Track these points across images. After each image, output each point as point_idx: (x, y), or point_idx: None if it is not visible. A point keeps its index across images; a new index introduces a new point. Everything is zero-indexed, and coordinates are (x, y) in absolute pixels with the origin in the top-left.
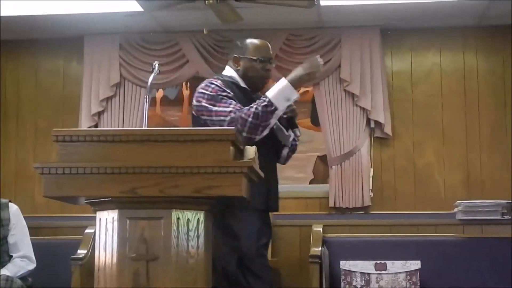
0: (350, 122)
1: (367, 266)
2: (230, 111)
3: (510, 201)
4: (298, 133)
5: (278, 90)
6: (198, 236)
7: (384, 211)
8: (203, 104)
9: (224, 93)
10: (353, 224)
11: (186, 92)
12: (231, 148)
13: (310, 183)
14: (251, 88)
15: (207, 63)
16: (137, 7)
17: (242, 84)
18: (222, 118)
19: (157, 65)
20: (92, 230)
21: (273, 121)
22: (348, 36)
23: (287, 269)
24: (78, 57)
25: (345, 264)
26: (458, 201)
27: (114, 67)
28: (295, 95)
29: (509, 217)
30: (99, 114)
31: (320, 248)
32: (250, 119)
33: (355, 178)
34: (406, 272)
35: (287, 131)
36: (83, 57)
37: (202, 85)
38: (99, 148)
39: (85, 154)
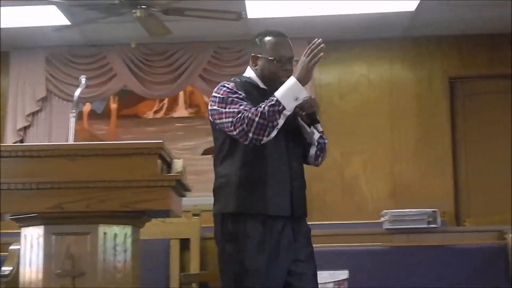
0: None
1: None
2: (238, 112)
3: (435, 209)
4: (320, 128)
5: (286, 89)
6: (125, 251)
7: (313, 222)
8: (215, 107)
9: (235, 95)
10: None
11: (113, 106)
12: (159, 161)
13: None
14: (271, 89)
15: (135, 76)
16: (65, 21)
17: (261, 85)
18: (230, 119)
19: (83, 79)
20: (18, 247)
21: (281, 121)
22: None
23: (217, 282)
24: (4, 72)
25: None
26: (384, 211)
27: (40, 82)
28: (303, 94)
29: (435, 226)
30: (25, 129)
31: None
32: (257, 119)
33: None
34: (334, 281)
35: (309, 127)
36: (9, 72)
37: (215, 88)
38: (24, 163)
39: (10, 169)
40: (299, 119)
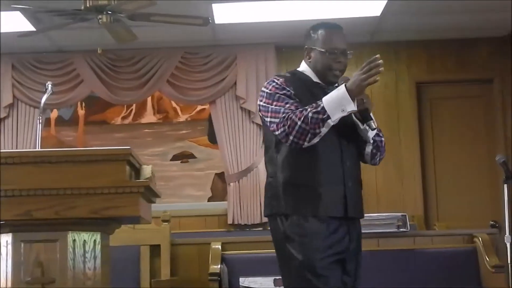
0: (247, 139)
1: (266, 282)
2: (283, 112)
3: (404, 213)
4: (373, 126)
5: (334, 98)
6: (95, 258)
7: None
8: (262, 103)
9: (283, 92)
10: (252, 241)
11: (81, 112)
12: (127, 167)
13: (208, 201)
14: (325, 82)
15: (102, 82)
16: (30, 27)
17: (315, 79)
18: (274, 119)
19: (50, 85)
20: None
21: (324, 130)
22: (244, 54)
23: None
24: None
25: (244, 281)
26: None
27: (6, 88)
28: (351, 107)
29: (405, 230)
30: None
31: (219, 266)
32: (299, 122)
33: (253, 195)
34: None
35: (362, 125)
36: None
37: (265, 83)
38: None
39: None
40: (353, 116)
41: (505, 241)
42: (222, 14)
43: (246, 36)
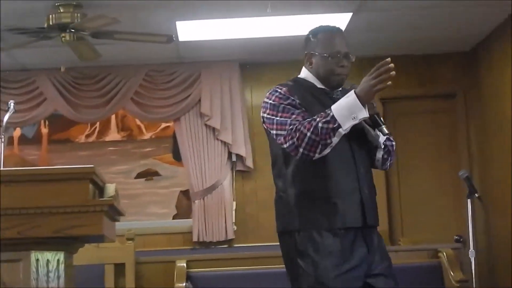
0: (211, 156)
1: None
2: (290, 124)
3: None
4: (385, 131)
5: (344, 105)
6: (58, 277)
7: (248, 244)
8: (266, 115)
9: (287, 101)
10: (217, 258)
11: (44, 131)
12: (90, 186)
13: (173, 219)
14: (329, 87)
15: (65, 100)
16: None
17: (319, 85)
18: (280, 131)
19: (12, 104)
20: None
21: (336, 139)
22: (208, 71)
23: None
24: None
25: None
26: None
27: None
28: (362, 114)
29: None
30: None
31: (184, 284)
32: (309, 133)
33: (218, 212)
34: None
35: (374, 130)
36: None
37: (267, 93)
38: None
39: None
40: (363, 122)
41: (469, 256)
42: (186, 32)
43: (210, 53)
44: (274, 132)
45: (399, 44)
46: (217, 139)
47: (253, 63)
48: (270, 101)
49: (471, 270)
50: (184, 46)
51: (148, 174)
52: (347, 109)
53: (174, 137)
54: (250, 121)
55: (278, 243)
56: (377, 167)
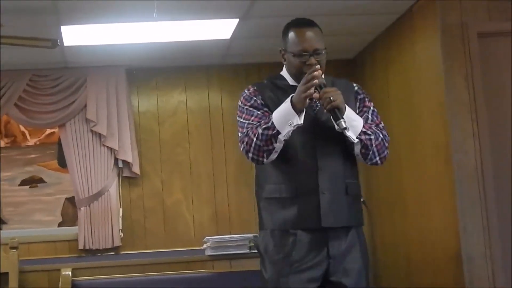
0: (98, 163)
1: None
2: (245, 127)
3: (256, 234)
4: (342, 125)
5: (281, 112)
6: None
7: (135, 251)
8: (237, 118)
9: (250, 103)
10: (103, 266)
11: None
12: None
13: (59, 226)
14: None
15: None
16: None
17: (291, 83)
18: (239, 134)
19: None
20: None
21: (278, 145)
22: (94, 76)
23: None
24: None
25: None
26: (207, 237)
27: None
28: (296, 120)
29: (256, 251)
30: None
31: None
32: (255, 139)
33: (105, 219)
34: None
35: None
36: None
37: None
38: None
39: None
40: (331, 118)
41: None
42: (71, 37)
43: (97, 58)
44: (239, 134)
45: None
46: (103, 145)
47: (140, 68)
48: (239, 103)
49: None
50: (70, 51)
51: (32, 181)
52: (284, 116)
53: (59, 143)
54: (137, 127)
55: (166, 250)
56: (366, 163)
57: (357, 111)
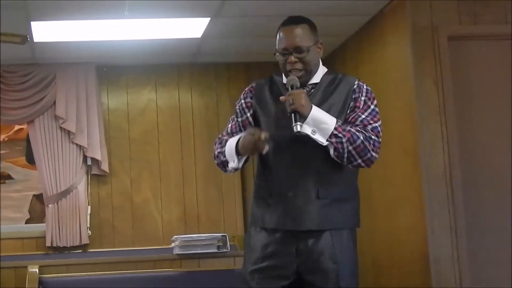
0: (66, 160)
1: None
2: (222, 133)
3: (225, 234)
4: (297, 128)
5: (230, 146)
6: None
7: (102, 249)
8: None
9: (239, 103)
10: (71, 263)
11: None
12: None
13: (26, 223)
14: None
15: None
16: None
17: (284, 81)
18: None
19: None
20: None
21: (230, 169)
22: (63, 73)
23: None
24: None
25: None
26: (175, 236)
27: None
28: (235, 163)
29: (225, 250)
30: None
31: None
32: (216, 152)
33: (73, 216)
34: None
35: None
36: None
37: None
38: None
39: None
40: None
41: None
42: (41, 33)
43: (66, 55)
44: None
45: (254, 51)
46: (72, 142)
47: (110, 65)
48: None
49: None
50: (39, 47)
51: (0, 178)
52: (230, 151)
53: (27, 140)
54: (106, 124)
55: (134, 248)
56: (349, 166)
57: (348, 111)
